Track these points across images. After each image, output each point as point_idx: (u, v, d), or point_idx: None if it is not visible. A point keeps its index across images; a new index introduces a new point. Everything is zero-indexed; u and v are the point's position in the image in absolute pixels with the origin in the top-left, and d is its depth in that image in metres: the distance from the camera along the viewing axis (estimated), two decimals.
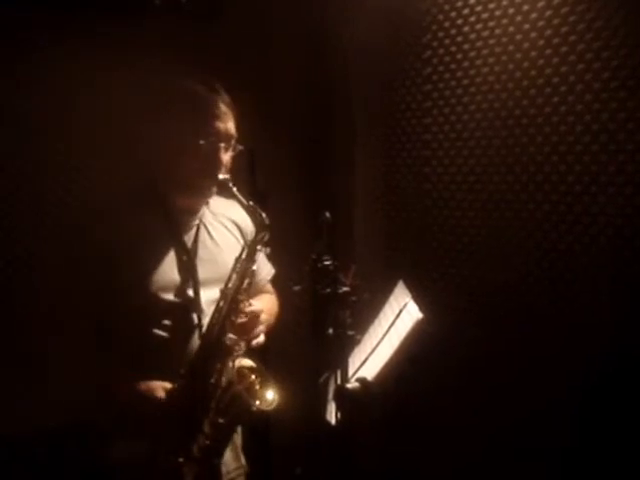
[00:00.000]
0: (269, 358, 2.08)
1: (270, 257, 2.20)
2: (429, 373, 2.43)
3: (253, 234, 2.08)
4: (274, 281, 2.30)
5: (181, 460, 1.86)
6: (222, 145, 1.93)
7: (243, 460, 2.15)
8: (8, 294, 2.48)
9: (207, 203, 2.07)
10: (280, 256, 2.17)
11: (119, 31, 2.52)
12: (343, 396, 1.92)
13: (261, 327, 2.07)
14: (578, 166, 2.30)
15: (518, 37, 2.42)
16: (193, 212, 2.03)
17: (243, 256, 1.98)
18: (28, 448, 2.45)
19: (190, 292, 1.97)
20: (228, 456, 2.07)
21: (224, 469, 2.04)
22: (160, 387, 1.88)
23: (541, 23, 2.35)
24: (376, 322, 2.12)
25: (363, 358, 2.04)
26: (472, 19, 2.57)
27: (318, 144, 3.13)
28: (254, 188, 2.39)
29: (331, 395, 2.01)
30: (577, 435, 2.34)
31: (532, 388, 2.44)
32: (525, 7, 2.39)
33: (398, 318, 1.99)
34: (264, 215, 1.95)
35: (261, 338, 2.09)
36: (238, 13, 2.84)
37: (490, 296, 2.59)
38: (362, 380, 1.96)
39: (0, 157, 2.45)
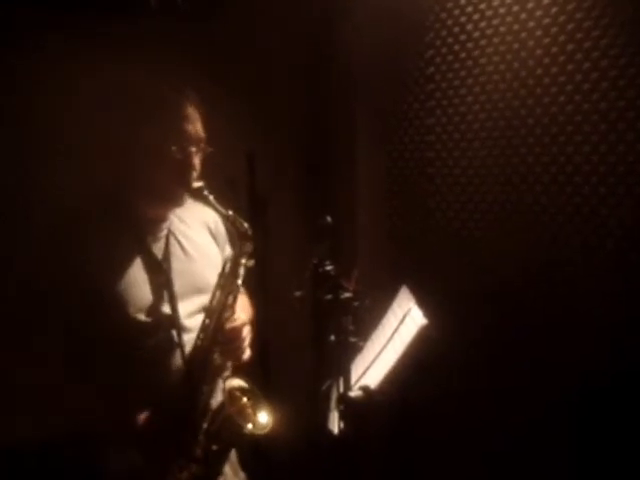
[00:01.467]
0: (269, 366, 2.03)
1: (270, 261, 2.15)
2: (434, 380, 2.40)
3: (224, 235, 2.02)
4: (275, 285, 2.26)
5: None
6: (193, 149, 1.84)
7: (242, 474, 2.09)
8: None
9: (172, 211, 1.97)
10: (280, 261, 2.13)
11: (114, 32, 2.50)
12: (346, 404, 1.89)
13: (247, 342, 1.99)
14: (586, 166, 2.27)
15: (523, 35, 2.39)
16: (161, 221, 1.93)
17: (226, 270, 1.90)
18: (17, 461, 2.40)
19: (167, 308, 1.86)
20: (228, 472, 2.01)
21: None
22: (144, 413, 1.81)
23: (546, 20, 2.32)
24: (379, 328, 2.11)
25: (366, 365, 2.02)
26: (475, 17, 2.54)
27: (319, 147, 3.11)
28: (254, 192, 2.35)
29: (334, 403, 1.98)
30: (583, 439, 2.32)
31: (538, 393, 2.41)
32: (530, 4, 2.36)
33: (402, 324, 1.98)
34: (246, 225, 1.87)
35: (247, 353, 2.01)
36: (236, 13, 2.83)
37: (496, 299, 2.55)
38: (365, 388, 1.93)
39: None
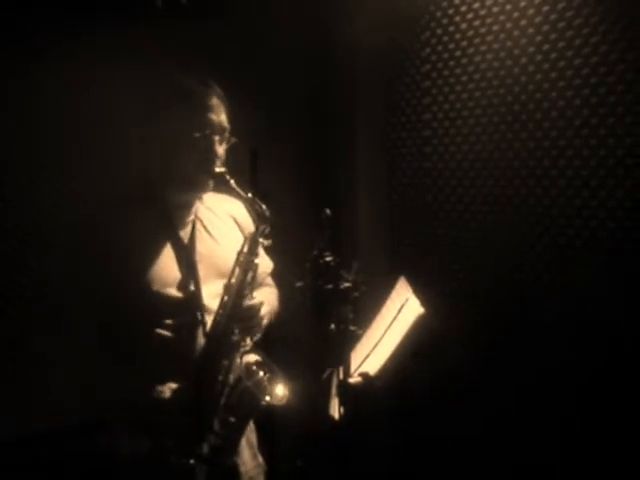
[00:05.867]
0: (272, 354, 2.08)
1: (273, 253, 2.19)
2: (430, 367, 2.45)
3: (251, 227, 2.06)
4: (277, 276, 2.31)
5: (192, 461, 1.83)
6: (216, 138, 1.91)
7: (260, 459, 2.13)
8: (10, 296, 2.51)
9: (201, 199, 2.03)
10: (282, 253, 2.18)
11: (120, 32, 2.53)
12: (346, 391, 1.92)
13: (264, 321, 2.04)
14: (577, 160, 2.32)
15: (515, 33, 2.44)
16: (188, 208, 2.00)
17: (245, 249, 1.95)
18: (35, 448, 2.45)
19: (191, 288, 1.94)
20: (246, 455, 2.05)
21: (243, 469, 2.02)
22: (167, 388, 1.87)
23: (538, 19, 2.37)
24: (378, 317, 2.12)
25: (365, 353, 2.04)
26: (469, 16, 2.59)
27: (320, 143, 3.14)
28: (256, 186, 2.39)
29: (334, 390, 2.02)
30: (587, 434, 2.35)
31: (533, 376, 2.46)
32: (522, 3, 2.41)
33: (400, 313, 2.00)
34: (264, 207, 1.92)
35: (259, 332, 2.06)
36: (239, 13, 2.85)
37: (493, 290, 2.60)
38: (364, 375, 1.97)
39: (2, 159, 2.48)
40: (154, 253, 1.92)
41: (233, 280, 1.94)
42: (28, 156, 2.51)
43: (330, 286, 1.88)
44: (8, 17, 2.41)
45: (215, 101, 1.92)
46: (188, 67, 2.00)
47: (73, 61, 2.44)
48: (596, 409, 2.31)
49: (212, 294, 1.96)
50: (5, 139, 2.47)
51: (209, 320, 1.95)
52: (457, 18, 2.63)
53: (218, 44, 2.77)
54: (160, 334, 1.90)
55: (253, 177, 2.13)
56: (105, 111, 2.51)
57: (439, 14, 2.69)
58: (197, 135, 1.88)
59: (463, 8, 2.60)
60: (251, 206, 1.95)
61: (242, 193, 1.92)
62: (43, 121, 2.50)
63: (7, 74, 2.42)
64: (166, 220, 1.97)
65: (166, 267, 1.92)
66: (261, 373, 1.96)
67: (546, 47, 2.35)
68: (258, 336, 2.05)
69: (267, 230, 1.96)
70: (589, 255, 2.31)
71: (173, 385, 1.88)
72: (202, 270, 1.97)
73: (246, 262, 1.95)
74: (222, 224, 2.09)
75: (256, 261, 1.97)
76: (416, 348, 1.95)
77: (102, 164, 2.53)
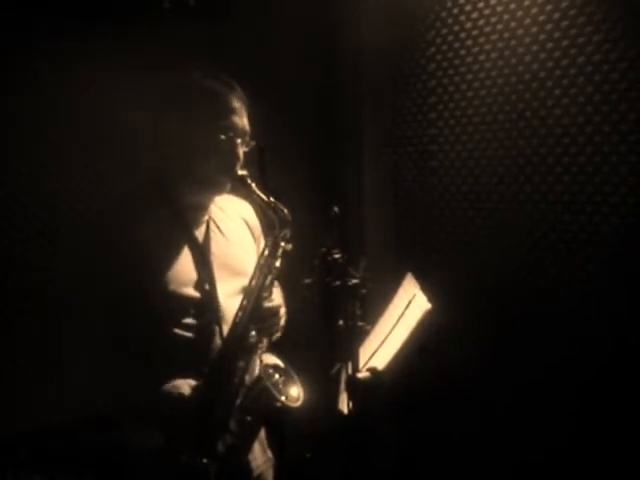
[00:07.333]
0: (281, 351, 2.10)
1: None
2: (437, 362, 2.47)
3: (260, 230, 2.08)
4: (286, 274, 2.32)
5: (205, 461, 1.84)
6: (239, 141, 1.91)
7: (269, 453, 2.14)
8: (25, 297, 2.53)
9: (213, 199, 2.03)
10: (291, 250, 2.20)
11: (128, 34, 2.55)
12: (355, 386, 1.94)
13: (282, 321, 2.06)
14: (582, 157, 2.34)
15: (520, 32, 2.46)
16: (203, 208, 2.01)
17: (266, 253, 1.95)
18: (46, 442, 2.47)
19: (207, 288, 1.94)
20: (256, 450, 2.06)
21: (254, 464, 2.03)
22: (185, 384, 1.87)
23: (542, 17, 2.39)
24: (386, 313, 2.14)
25: (373, 348, 2.06)
26: (474, 15, 2.62)
27: (328, 141, 3.17)
28: (265, 186, 2.42)
29: (343, 385, 2.03)
30: (593, 429, 2.37)
31: (539, 372, 2.48)
32: (526, 2, 2.43)
33: (407, 309, 2.02)
34: (286, 211, 1.93)
35: (278, 333, 2.09)
36: (246, 13, 2.87)
37: (499, 286, 2.62)
38: (372, 370, 1.98)
39: (11, 158, 2.50)
40: (170, 253, 1.92)
41: (253, 283, 1.94)
42: (28, 156, 2.52)
43: (338, 283, 1.88)
44: (8, 17, 2.43)
45: (239, 104, 1.92)
46: (189, 68, 2.01)
47: (75, 61, 2.48)
48: (601, 405, 2.33)
49: (227, 293, 1.97)
50: (5, 139, 2.48)
51: (225, 320, 1.95)
52: (462, 17, 2.65)
53: (223, 44, 2.79)
54: (176, 334, 1.89)
55: (262, 176, 2.15)
56: (115, 112, 2.51)
57: (444, 14, 2.72)
58: (222, 138, 1.88)
59: (468, 7, 2.63)
60: (273, 210, 1.94)
61: (263, 197, 1.92)
62: (43, 121, 2.51)
63: (7, 73, 2.44)
64: (182, 220, 1.97)
65: (182, 267, 1.92)
66: (277, 376, 1.97)
67: (550, 45, 2.37)
68: (276, 336, 2.07)
69: (288, 234, 1.96)
70: (593, 251, 2.33)
71: (188, 385, 1.88)
72: (217, 269, 1.97)
73: (267, 265, 1.95)
74: (233, 224, 2.10)
75: (276, 264, 1.96)
76: (423, 343, 1.97)
77: (110, 164, 2.56)
